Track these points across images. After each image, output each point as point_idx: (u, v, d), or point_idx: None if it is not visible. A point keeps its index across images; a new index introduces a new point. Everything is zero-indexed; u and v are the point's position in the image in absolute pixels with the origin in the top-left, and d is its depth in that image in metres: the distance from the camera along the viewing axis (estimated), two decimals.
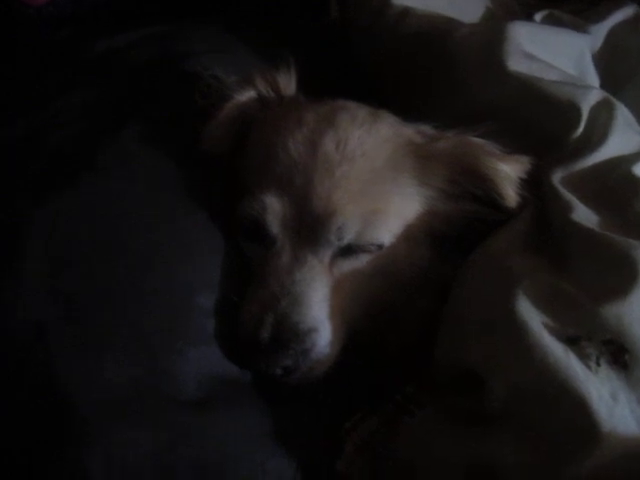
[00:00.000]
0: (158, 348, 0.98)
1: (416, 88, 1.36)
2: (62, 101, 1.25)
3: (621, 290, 0.90)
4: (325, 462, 1.02)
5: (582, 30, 1.42)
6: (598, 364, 0.87)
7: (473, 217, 1.11)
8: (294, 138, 1.11)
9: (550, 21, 1.48)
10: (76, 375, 0.92)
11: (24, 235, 1.01)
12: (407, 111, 1.20)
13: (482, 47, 1.25)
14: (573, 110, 1.12)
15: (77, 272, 1.00)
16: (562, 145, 1.11)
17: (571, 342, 0.89)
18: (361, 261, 1.09)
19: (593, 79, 1.35)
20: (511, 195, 1.09)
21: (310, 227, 1.07)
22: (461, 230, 1.12)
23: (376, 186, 1.09)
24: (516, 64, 1.19)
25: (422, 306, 1.12)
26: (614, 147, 1.09)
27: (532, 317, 0.91)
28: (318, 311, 1.05)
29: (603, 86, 1.34)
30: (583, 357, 0.88)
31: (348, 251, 1.08)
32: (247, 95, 1.22)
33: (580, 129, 1.11)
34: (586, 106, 1.12)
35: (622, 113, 1.14)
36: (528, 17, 1.51)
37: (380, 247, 1.09)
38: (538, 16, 1.49)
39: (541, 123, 1.15)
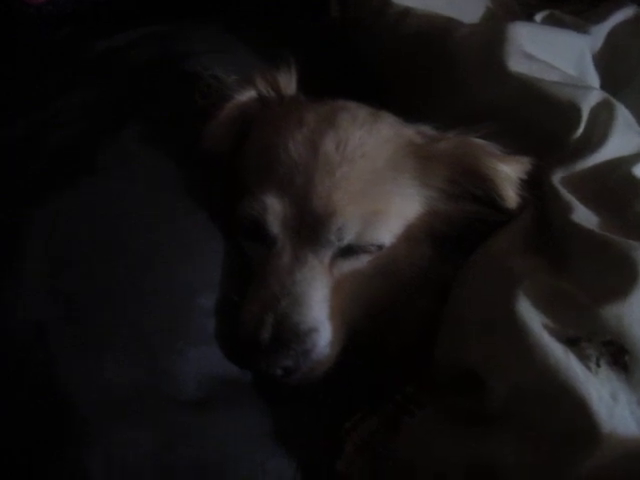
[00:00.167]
0: (158, 348, 0.98)
1: (416, 88, 1.36)
2: (62, 101, 1.25)
3: (621, 291, 0.90)
4: (325, 462, 1.02)
5: (582, 31, 1.42)
6: (598, 365, 0.87)
7: (473, 217, 1.11)
8: (294, 138, 1.11)
9: (550, 21, 1.48)
10: (76, 375, 0.92)
11: (24, 235, 1.01)
12: (407, 111, 1.20)
13: (482, 47, 1.25)
14: (573, 111, 1.12)
15: (77, 272, 1.00)
16: (562, 146, 1.11)
17: (571, 343, 0.89)
18: (361, 261, 1.09)
19: (593, 80, 1.35)
20: (511, 196, 1.09)
21: (310, 227, 1.07)
22: (461, 230, 1.12)
23: (376, 186, 1.09)
24: (516, 64, 1.19)
25: (422, 306, 1.12)
26: (614, 148, 1.09)
27: (532, 318, 0.91)
28: (318, 311, 1.05)
29: (603, 87, 1.34)
30: (583, 358, 0.88)
31: (348, 251, 1.08)
32: (247, 95, 1.22)
33: (580, 130, 1.11)
34: (586, 107, 1.12)
35: (622, 114, 1.14)
36: (528, 17, 1.51)
37: (380, 247, 1.09)
38: (539, 16, 1.49)
39: (541, 123, 1.15)
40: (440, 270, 1.11)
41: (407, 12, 1.41)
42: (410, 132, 1.15)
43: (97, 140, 1.16)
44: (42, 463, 0.88)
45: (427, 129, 1.17)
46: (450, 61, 1.28)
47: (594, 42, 1.42)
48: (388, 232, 1.09)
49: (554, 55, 1.26)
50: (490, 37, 1.25)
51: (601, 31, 1.44)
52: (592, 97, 1.13)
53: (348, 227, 1.06)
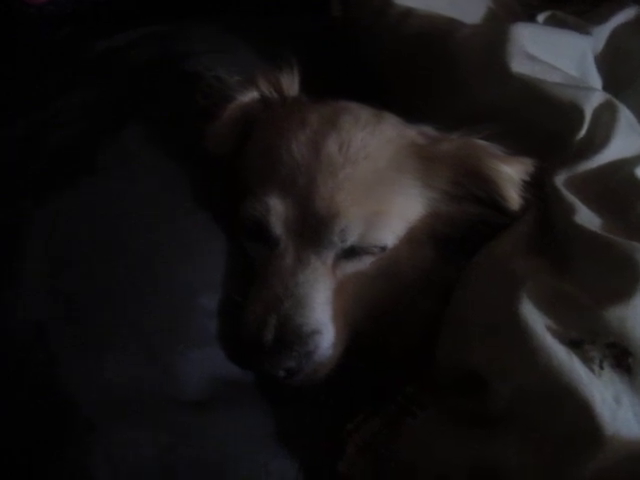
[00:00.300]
0: (158, 348, 0.98)
1: (417, 89, 1.36)
2: (62, 101, 1.25)
3: (624, 293, 0.90)
4: (327, 463, 1.03)
5: (584, 31, 1.42)
6: (601, 367, 0.87)
7: (476, 219, 1.11)
8: (297, 139, 1.10)
9: (552, 22, 1.48)
10: (76, 375, 0.92)
11: (24, 235, 1.01)
12: (408, 112, 1.20)
13: (484, 48, 1.25)
14: (576, 112, 1.12)
15: (77, 272, 1.00)
16: (565, 147, 1.11)
17: (574, 345, 0.89)
18: (364, 263, 1.09)
19: (595, 81, 1.35)
20: (514, 197, 1.09)
21: (313, 229, 1.07)
22: (464, 232, 1.11)
23: (379, 188, 1.09)
24: (519, 65, 1.19)
25: (424, 308, 1.12)
26: (617, 149, 1.09)
27: (535, 320, 0.91)
28: (321, 313, 1.05)
29: (605, 88, 1.34)
30: (586, 360, 0.88)
31: (351, 253, 1.08)
32: (250, 96, 1.22)
33: (583, 131, 1.10)
34: (589, 108, 1.12)
35: (625, 115, 1.14)
36: (530, 18, 1.51)
37: (383, 249, 1.09)
38: (540, 17, 1.49)
39: (543, 125, 1.15)
40: (442, 272, 1.11)
41: (408, 12, 1.41)
42: (412, 133, 1.15)
43: (97, 140, 1.16)
44: (42, 463, 0.88)
45: (429, 130, 1.17)
46: (452, 62, 1.27)
47: (596, 43, 1.42)
48: (391, 233, 1.09)
49: (556, 56, 1.26)
50: (492, 38, 1.25)
51: (603, 32, 1.44)
52: (594, 98, 1.13)
53: (351, 228, 1.05)
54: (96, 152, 1.13)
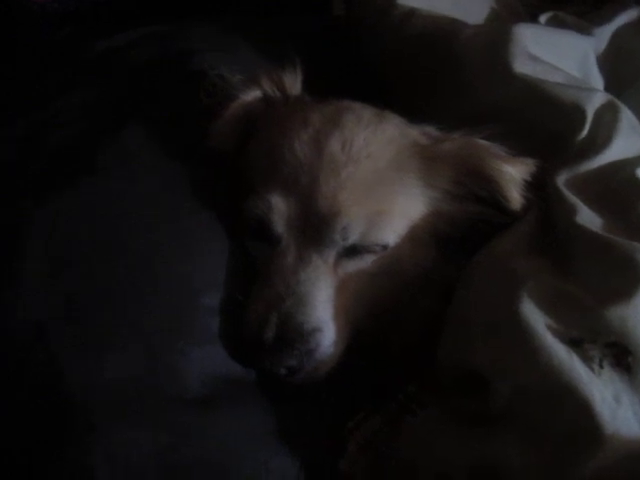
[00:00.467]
0: (159, 348, 0.98)
1: (419, 89, 1.36)
2: (62, 101, 1.25)
3: (625, 292, 0.90)
4: (328, 461, 1.03)
5: (586, 32, 1.42)
6: (601, 366, 0.88)
7: (477, 218, 1.11)
8: (300, 138, 1.11)
9: (554, 23, 1.49)
10: (76, 375, 0.92)
11: (24, 235, 1.02)
12: (410, 112, 1.20)
13: (487, 48, 1.25)
14: (577, 112, 1.12)
15: (77, 272, 1.00)
16: (566, 147, 1.11)
17: (574, 344, 0.89)
18: (365, 261, 1.09)
19: (597, 81, 1.35)
20: (516, 197, 1.09)
21: (315, 227, 1.07)
22: (465, 231, 1.12)
23: (381, 187, 1.09)
24: (521, 66, 1.20)
25: (425, 306, 1.12)
26: (618, 150, 1.09)
27: (536, 319, 0.91)
28: (322, 311, 1.05)
29: (607, 88, 1.35)
30: (586, 359, 0.88)
31: (353, 251, 1.08)
32: (253, 94, 1.22)
33: (584, 131, 1.11)
34: (591, 108, 1.12)
35: (626, 116, 1.14)
36: (533, 19, 1.52)
37: (385, 247, 1.09)
38: (543, 18, 1.50)
39: (545, 125, 1.15)
40: (444, 271, 1.11)
41: (412, 13, 1.42)
42: (415, 133, 1.15)
43: (97, 140, 1.16)
44: (42, 463, 0.88)
45: (432, 130, 1.17)
46: (457, 63, 1.28)
47: (598, 44, 1.42)
48: (392, 232, 1.09)
49: (558, 56, 1.26)
50: (495, 38, 1.26)
51: (605, 33, 1.45)
52: (596, 99, 1.14)
53: (353, 227, 1.06)
54: (96, 152, 1.13)
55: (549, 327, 0.91)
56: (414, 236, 1.10)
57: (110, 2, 1.61)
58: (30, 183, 1.10)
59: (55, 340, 0.94)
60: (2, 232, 1.03)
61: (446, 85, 1.31)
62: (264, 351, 1.01)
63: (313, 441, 1.04)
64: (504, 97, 1.20)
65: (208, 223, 1.12)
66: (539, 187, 1.09)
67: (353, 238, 1.06)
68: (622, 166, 1.08)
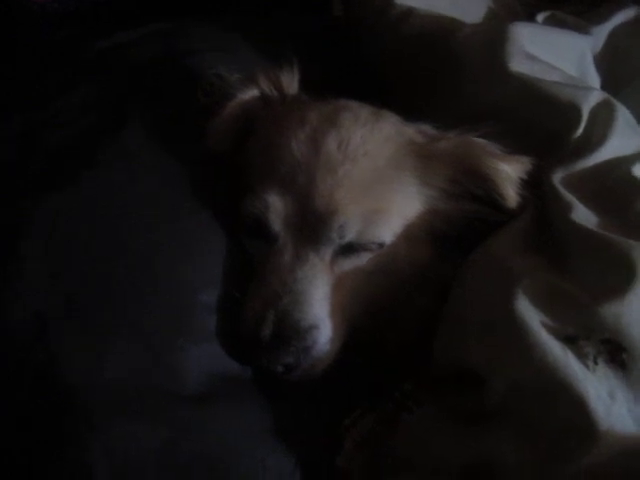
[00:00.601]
0: (159, 347, 0.99)
1: (418, 88, 1.36)
2: (62, 101, 1.25)
3: (620, 290, 0.91)
4: (325, 458, 1.03)
5: (583, 31, 1.42)
6: (596, 363, 0.88)
7: (474, 217, 1.11)
8: (297, 137, 1.11)
9: (552, 22, 1.49)
10: (76, 375, 0.92)
11: (24, 235, 1.02)
12: (409, 111, 1.20)
13: (484, 47, 1.25)
14: (573, 111, 1.12)
15: (77, 272, 1.00)
16: (562, 146, 1.11)
17: (569, 341, 0.90)
18: (362, 259, 1.09)
19: (594, 80, 1.36)
20: (512, 195, 1.09)
21: (312, 225, 1.07)
22: (461, 230, 1.12)
23: (378, 185, 1.09)
24: (518, 65, 1.20)
25: (421, 305, 1.12)
26: (614, 148, 1.09)
27: (531, 316, 0.92)
28: (319, 309, 1.05)
29: (604, 87, 1.35)
30: (581, 356, 0.88)
31: (349, 249, 1.08)
32: (250, 94, 1.22)
33: (580, 130, 1.11)
34: (586, 107, 1.12)
35: (623, 114, 1.14)
36: (530, 18, 1.52)
37: (381, 246, 1.09)
38: (540, 17, 1.49)
39: (542, 124, 1.15)
40: (440, 269, 1.11)
41: (410, 12, 1.42)
42: (411, 131, 1.16)
43: (97, 140, 1.16)
44: (42, 463, 0.88)
45: (428, 128, 1.17)
46: (454, 63, 1.28)
47: (595, 43, 1.42)
48: (389, 230, 1.09)
49: (555, 55, 1.26)
50: (492, 37, 1.26)
51: (602, 32, 1.44)
52: (592, 97, 1.14)
53: (349, 225, 1.06)
54: (96, 151, 1.13)
55: (544, 324, 0.91)
56: (410, 234, 1.11)
57: (110, 2, 1.61)
58: (30, 183, 1.10)
59: (55, 340, 0.94)
60: (2, 232, 1.03)
61: (445, 85, 1.31)
62: (261, 348, 1.02)
63: (310, 438, 1.04)
64: (501, 96, 1.20)
65: (208, 223, 1.12)
66: (535, 185, 1.10)
67: (350, 236, 1.07)
68: (618, 164, 1.08)
